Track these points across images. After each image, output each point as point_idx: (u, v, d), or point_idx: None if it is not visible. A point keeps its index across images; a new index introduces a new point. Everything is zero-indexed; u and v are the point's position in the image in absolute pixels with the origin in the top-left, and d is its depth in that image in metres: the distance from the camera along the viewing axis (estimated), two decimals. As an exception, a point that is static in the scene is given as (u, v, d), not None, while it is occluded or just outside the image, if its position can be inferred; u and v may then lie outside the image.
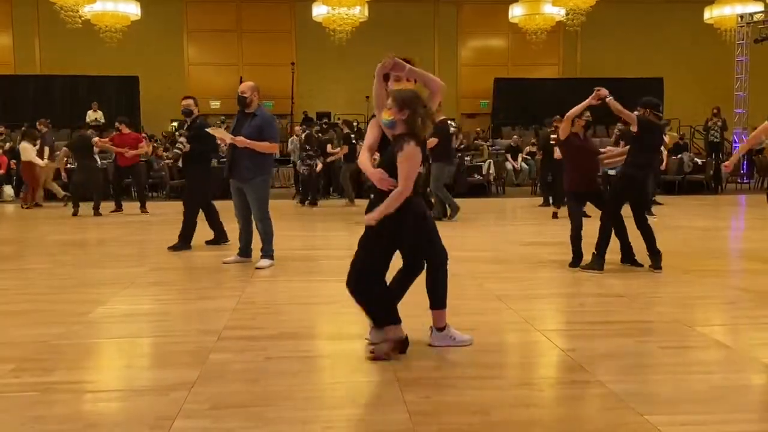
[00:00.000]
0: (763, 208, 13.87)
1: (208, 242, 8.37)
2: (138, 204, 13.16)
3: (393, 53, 4.11)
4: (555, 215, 11.31)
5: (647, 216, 7.05)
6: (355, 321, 4.71)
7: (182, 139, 8.01)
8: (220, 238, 8.43)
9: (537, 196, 15.07)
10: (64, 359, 3.98)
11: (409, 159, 3.75)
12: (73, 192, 12.70)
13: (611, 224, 6.60)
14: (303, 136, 14.51)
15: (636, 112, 6.65)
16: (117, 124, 13.26)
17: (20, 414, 3.17)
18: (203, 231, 8.31)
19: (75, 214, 12.25)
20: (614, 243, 6.67)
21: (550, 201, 12.61)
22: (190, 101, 8.06)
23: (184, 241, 8.03)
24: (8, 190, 16.62)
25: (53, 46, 23.39)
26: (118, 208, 12.95)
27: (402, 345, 3.98)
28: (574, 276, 6.41)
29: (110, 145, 13.04)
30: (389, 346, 3.92)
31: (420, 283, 4.18)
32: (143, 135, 16.47)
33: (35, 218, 12.40)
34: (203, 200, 8.27)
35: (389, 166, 3.83)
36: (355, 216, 12.15)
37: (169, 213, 12.56)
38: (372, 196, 4.04)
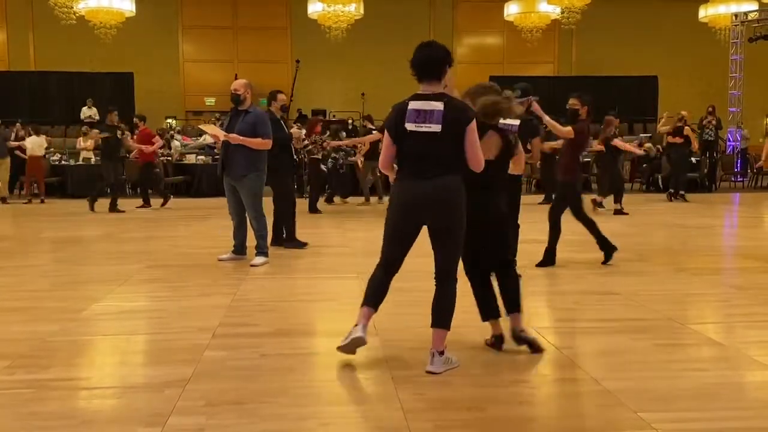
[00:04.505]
0: (756, 207, 13.94)
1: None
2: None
3: None
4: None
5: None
6: (350, 318, 4.71)
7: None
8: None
9: (534, 194, 15.09)
10: (59, 356, 3.99)
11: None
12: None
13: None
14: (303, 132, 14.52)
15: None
16: (137, 121, 13.35)
17: (15, 411, 3.17)
18: (199, 230, 8.28)
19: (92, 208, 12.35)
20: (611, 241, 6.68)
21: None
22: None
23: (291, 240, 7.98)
24: (2, 185, 16.55)
25: (48, 43, 23.29)
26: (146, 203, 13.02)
27: None
28: (569, 273, 6.42)
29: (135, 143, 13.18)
30: None
31: (424, 289, 4.16)
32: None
33: (30, 214, 12.37)
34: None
35: None
36: (350, 214, 12.16)
37: (163, 210, 12.56)
38: None
